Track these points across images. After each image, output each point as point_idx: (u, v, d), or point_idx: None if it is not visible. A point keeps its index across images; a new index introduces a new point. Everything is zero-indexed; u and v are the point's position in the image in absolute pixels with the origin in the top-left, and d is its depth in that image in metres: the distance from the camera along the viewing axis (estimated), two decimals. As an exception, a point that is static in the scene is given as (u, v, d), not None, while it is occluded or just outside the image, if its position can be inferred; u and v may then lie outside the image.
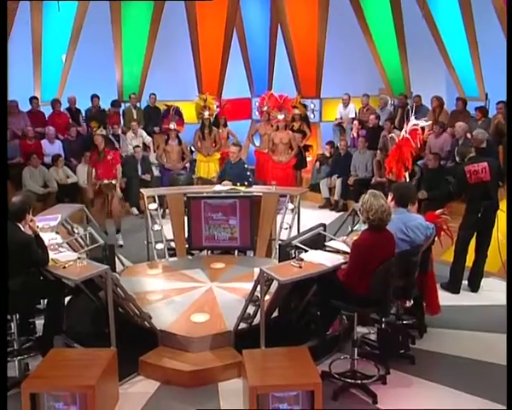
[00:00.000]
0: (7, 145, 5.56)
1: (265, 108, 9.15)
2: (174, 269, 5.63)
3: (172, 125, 8.49)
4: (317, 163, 9.27)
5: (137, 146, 8.87)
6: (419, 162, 7.62)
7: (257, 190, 6.30)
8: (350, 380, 3.94)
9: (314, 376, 3.55)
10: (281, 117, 8.75)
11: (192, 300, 4.82)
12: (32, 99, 9.28)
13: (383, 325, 4.32)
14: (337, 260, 4.05)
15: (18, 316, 4.02)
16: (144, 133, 9.62)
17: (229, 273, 5.41)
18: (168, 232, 6.09)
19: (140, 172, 8.68)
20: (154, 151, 9.38)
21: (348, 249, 4.04)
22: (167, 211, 6.49)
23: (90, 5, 9.54)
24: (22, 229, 3.96)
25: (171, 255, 5.99)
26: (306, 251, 4.27)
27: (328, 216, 7.75)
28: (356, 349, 4.01)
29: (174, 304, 4.78)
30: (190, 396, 3.89)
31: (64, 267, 3.96)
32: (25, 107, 9.15)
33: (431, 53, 9.72)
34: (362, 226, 4.26)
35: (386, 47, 10.33)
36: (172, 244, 6.07)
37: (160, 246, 5.98)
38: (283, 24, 10.48)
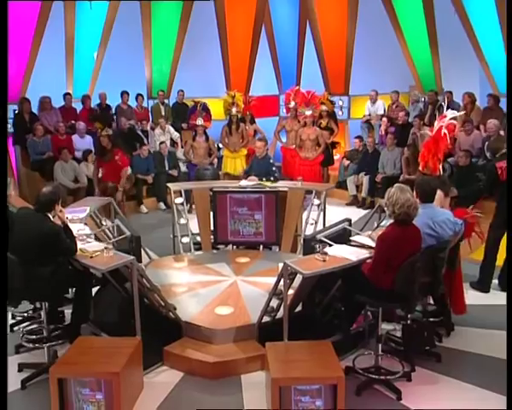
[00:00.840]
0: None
1: (292, 104, 9.13)
2: (199, 262, 5.67)
3: (199, 121, 8.57)
4: (345, 160, 9.20)
5: (163, 142, 8.99)
6: (449, 159, 7.47)
7: (283, 185, 6.30)
8: (374, 376, 3.89)
9: (337, 370, 3.52)
10: (308, 113, 8.70)
11: (217, 293, 4.85)
12: (66, 95, 9.51)
13: (408, 322, 4.25)
14: (362, 254, 4.01)
15: (47, 304, 4.12)
16: (172, 129, 9.73)
17: (253, 267, 5.42)
18: (194, 226, 6.15)
19: (167, 168, 8.80)
20: (182, 147, 9.48)
21: (373, 244, 3.99)
22: (193, 206, 6.54)
23: (121, 4, 9.72)
24: (51, 219, 4.05)
25: (196, 249, 6.05)
26: (331, 245, 4.24)
27: (355, 213, 7.67)
28: (380, 345, 3.96)
29: (199, 297, 4.82)
30: (213, 387, 3.91)
31: (91, 257, 4.03)
32: (57, 103, 9.38)
33: (464, 49, 9.51)
34: (388, 222, 4.20)
35: (417, 43, 10.16)
36: (198, 238, 6.13)
37: (185, 240, 6.04)
38: (312, 20, 10.43)
